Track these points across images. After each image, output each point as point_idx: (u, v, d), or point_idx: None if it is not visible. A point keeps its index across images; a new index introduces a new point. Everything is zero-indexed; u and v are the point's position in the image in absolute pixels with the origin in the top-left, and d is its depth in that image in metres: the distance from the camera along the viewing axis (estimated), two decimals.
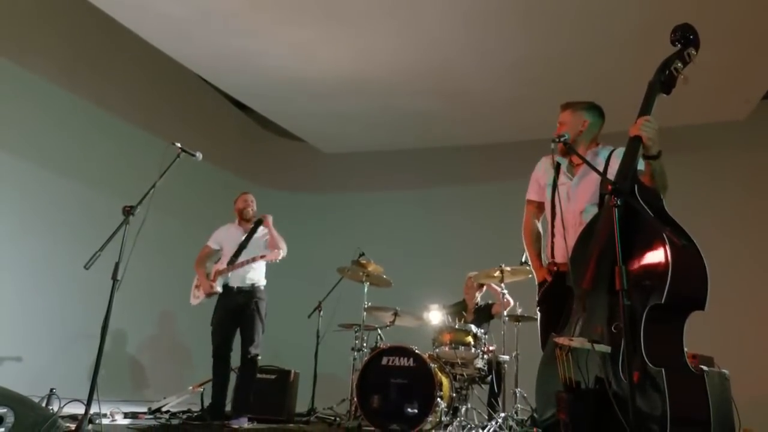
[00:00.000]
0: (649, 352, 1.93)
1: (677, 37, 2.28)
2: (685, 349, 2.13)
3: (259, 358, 4.35)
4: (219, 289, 4.33)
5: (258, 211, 4.70)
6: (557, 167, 2.69)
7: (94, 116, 6.01)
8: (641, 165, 2.26)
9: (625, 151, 2.23)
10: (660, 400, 1.84)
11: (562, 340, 2.25)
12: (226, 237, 4.57)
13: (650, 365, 1.90)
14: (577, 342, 2.16)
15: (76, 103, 5.84)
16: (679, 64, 2.25)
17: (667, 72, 2.25)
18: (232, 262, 4.36)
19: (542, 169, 2.81)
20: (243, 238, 4.49)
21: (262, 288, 4.46)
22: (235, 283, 4.37)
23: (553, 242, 2.62)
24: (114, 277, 2.95)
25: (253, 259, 4.32)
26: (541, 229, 2.86)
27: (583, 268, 2.26)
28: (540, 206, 2.83)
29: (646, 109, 2.23)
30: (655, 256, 2.00)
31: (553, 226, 2.64)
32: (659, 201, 2.18)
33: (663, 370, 1.87)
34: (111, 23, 5.48)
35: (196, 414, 4.37)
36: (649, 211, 2.04)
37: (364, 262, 4.87)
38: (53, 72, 5.66)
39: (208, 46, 5.82)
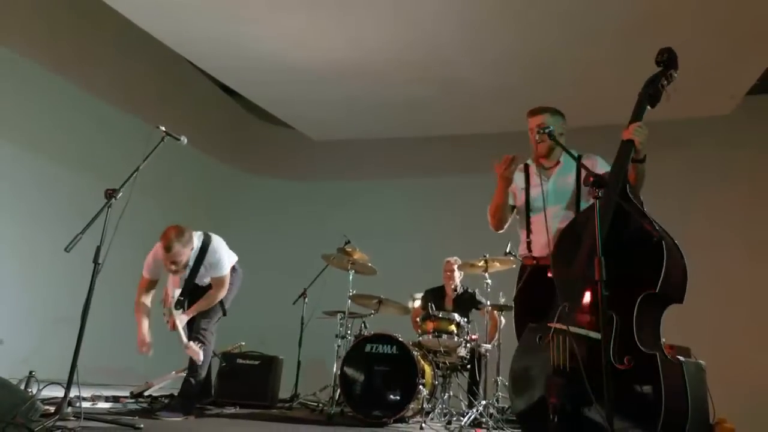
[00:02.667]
0: (641, 337, 2.05)
1: (664, 59, 2.50)
2: (663, 340, 2.19)
3: (210, 338, 3.81)
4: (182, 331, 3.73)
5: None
6: (526, 168, 2.86)
7: (79, 99, 5.93)
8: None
9: (617, 153, 2.38)
10: (651, 387, 1.97)
11: (557, 326, 2.32)
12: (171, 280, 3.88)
13: (642, 349, 2.02)
14: (573, 328, 2.23)
15: (61, 85, 5.76)
16: (665, 82, 2.48)
17: (654, 87, 2.46)
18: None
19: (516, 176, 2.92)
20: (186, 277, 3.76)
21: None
22: (199, 281, 3.89)
23: (529, 239, 2.78)
24: (95, 261, 2.93)
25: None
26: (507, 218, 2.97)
27: (573, 259, 2.35)
28: (512, 209, 2.96)
29: (637, 116, 2.42)
30: (650, 250, 2.13)
31: (529, 224, 2.79)
32: (639, 199, 2.34)
33: (657, 354, 2.00)
34: (97, 4, 5.39)
35: (161, 400, 4.19)
36: (641, 209, 2.22)
37: (349, 249, 4.87)
38: (37, 55, 5.56)
39: (196, 29, 5.74)
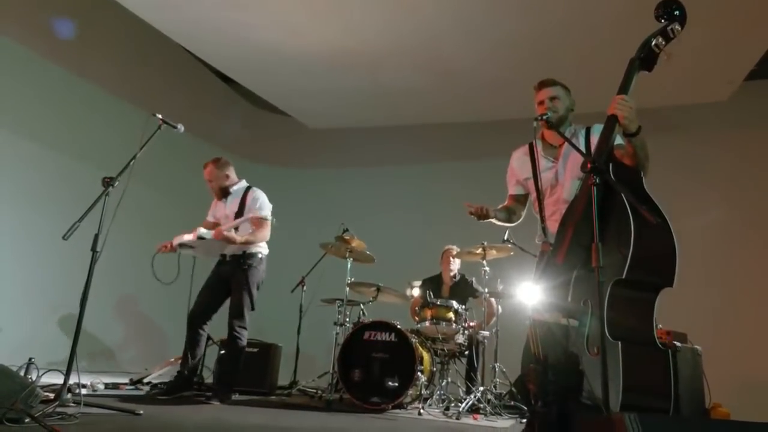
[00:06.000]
0: (610, 325, 1.95)
1: (661, 13, 2.25)
2: (659, 325, 2.18)
3: (244, 333, 4.02)
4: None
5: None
6: (531, 151, 2.68)
7: (77, 87, 5.90)
8: (620, 140, 2.26)
9: (602, 129, 2.22)
10: (616, 372, 1.86)
11: (534, 315, 2.29)
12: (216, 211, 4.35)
13: (608, 337, 1.92)
14: (549, 317, 2.21)
15: (59, 73, 5.72)
16: (661, 40, 2.21)
17: (647, 48, 2.22)
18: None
19: (517, 164, 2.82)
20: (235, 209, 4.16)
21: (257, 255, 4.11)
22: (228, 251, 4.11)
23: (545, 225, 2.60)
24: (93, 249, 2.93)
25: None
26: (519, 213, 2.89)
27: (558, 244, 2.29)
28: (518, 198, 2.86)
29: (624, 87, 2.20)
30: (622, 233, 2.01)
31: (542, 209, 2.63)
32: (638, 178, 2.17)
33: (619, 343, 1.89)
34: None
35: (161, 387, 4.17)
36: (623, 190, 2.03)
37: (347, 237, 4.87)
38: (34, 42, 5.51)
39: (194, 17, 5.70)
